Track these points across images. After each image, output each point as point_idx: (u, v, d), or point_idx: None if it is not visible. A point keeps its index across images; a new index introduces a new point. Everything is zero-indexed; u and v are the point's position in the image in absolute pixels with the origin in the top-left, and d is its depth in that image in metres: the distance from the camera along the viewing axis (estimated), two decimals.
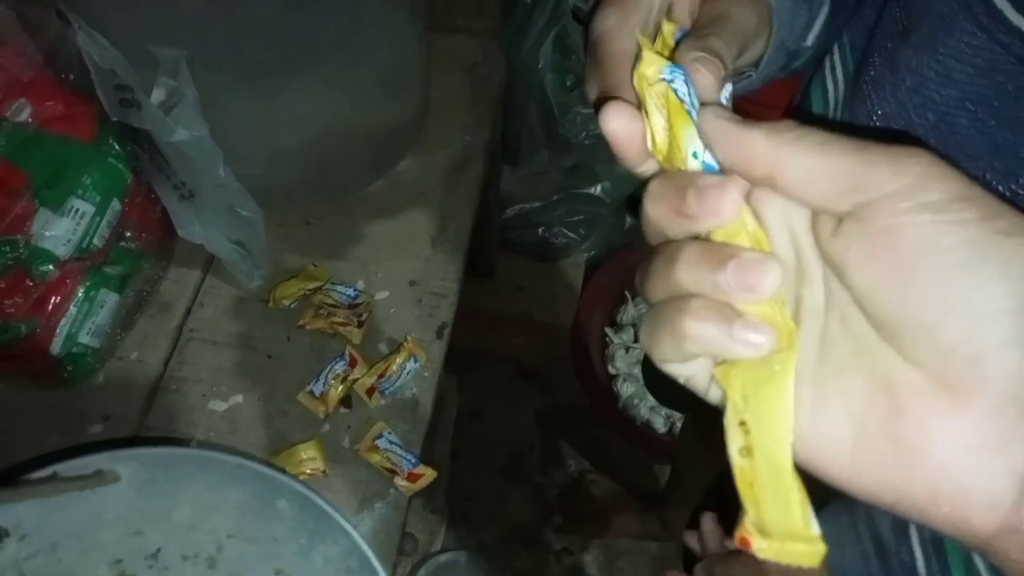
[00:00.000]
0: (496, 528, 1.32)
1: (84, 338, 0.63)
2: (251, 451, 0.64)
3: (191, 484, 0.54)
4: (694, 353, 0.22)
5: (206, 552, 0.56)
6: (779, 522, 0.21)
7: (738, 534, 0.22)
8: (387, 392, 0.66)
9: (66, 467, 0.51)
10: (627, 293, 1.47)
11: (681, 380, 0.23)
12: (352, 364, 0.66)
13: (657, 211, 0.23)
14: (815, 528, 0.21)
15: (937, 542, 0.43)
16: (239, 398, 0.66)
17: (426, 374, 0.68)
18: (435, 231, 0.75)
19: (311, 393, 0.65)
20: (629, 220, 1.58)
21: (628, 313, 1.46)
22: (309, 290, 0.70)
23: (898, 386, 0.20)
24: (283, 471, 0.58)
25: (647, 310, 0.24)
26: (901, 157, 0.19)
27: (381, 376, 0.65)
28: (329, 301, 0.69)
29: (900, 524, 0.45)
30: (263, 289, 0.71)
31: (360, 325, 0.68)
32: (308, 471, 0.62)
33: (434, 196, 0.77)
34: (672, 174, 0.23)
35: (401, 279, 0.72)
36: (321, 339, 0.69)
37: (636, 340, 1.43)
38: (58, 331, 0.61)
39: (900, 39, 0.34)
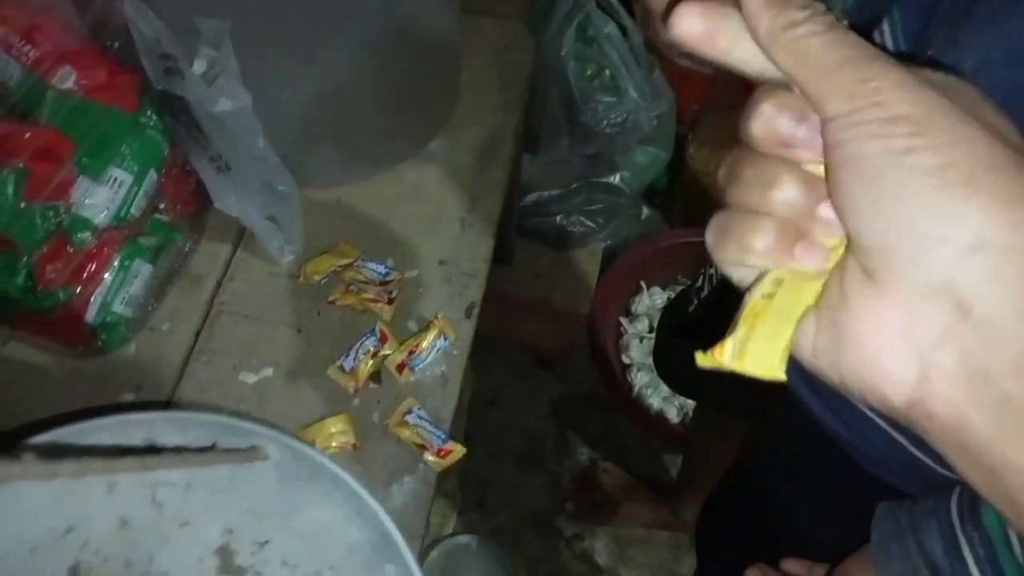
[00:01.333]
0: (509, 514, 1.32)
1: (118, 307, 0.64)
2: (281, 424, 0.64)
3: (321, 495, 0.51)
4: (755, 264, 0.24)
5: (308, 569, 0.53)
6: (760, 353, 0.24)
7: (717, 346, 0.25)
8: (417, 369, 0.66)
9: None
10: (642, 283, 1.47)
11: (735, 279, 0.25)
12: (383, 340, 0.67)
13: (765, 128, 0.23)
14: (783, 373, 0.25)
15: (992, 560, 0.42)
16: (269, 371, 0.67)
17: (455, 352, 0.68)
18: (464, 212, 0.75)
19: (341, 368, 0.66)
20: (646, 211, 1.58)
21: (643, 303, 1.46)
22: (340, 266, 0.70)
23: (847, 277, 0.23)
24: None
25: (717, 214, 0.25)
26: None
27: (411, 353, 0.66)
28: (360, 278, 0.69)
29: (952, 546, 0.45)
30: (294, 265, 0.71)
31: (390, 302, 0.68)
32: (337, 445, 0.63)
33: (464, 177, 0.77)
34: (789, 101, 0.23)
35: (431, 258, 0.73)
36: (351, 315, 0.69)
37: (650, 330, 1.43)
38: (93, 299, 0.61)
39: (961, 20, 0.34)
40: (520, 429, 1.41)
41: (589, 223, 1.40)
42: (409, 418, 0.64)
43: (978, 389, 0.20)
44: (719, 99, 1.47)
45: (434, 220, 0.75)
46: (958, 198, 0.20)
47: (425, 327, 0.68)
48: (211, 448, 0.48)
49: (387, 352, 0.66)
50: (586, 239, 1.42)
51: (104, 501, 0.50)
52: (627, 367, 1.43)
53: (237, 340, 0.68)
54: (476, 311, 0.70)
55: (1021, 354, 0.20)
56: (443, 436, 0.63)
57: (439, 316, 0.68)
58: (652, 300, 1.47)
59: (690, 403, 1.37)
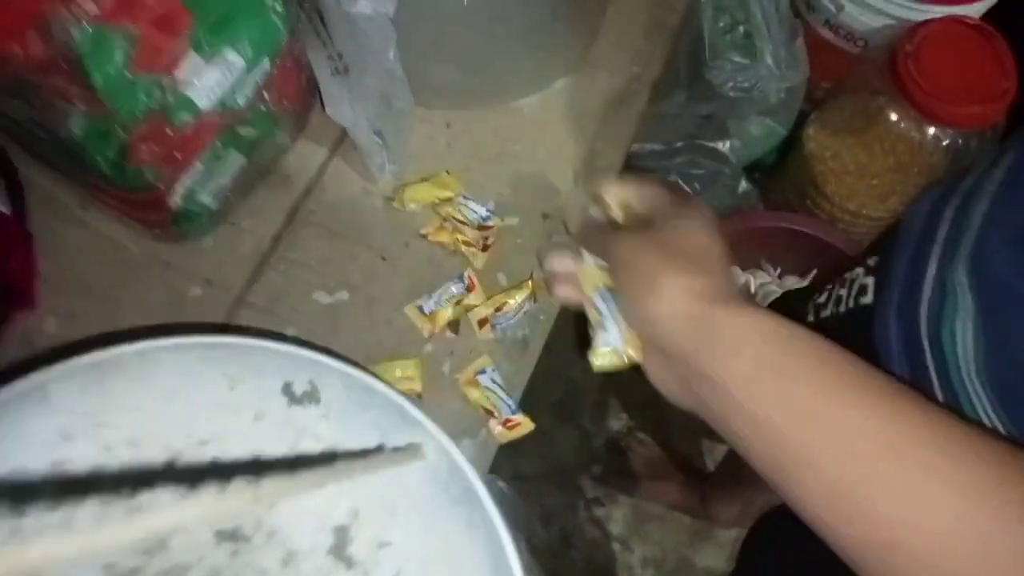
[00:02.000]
0: (534, 462, 1.30)
1: (204, 196, 0.60)
2: (348, 353, 0.60)
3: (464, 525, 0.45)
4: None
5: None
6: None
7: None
8: (499, 327, 0.62)
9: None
10: None
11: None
12: (469, 288, 0.62)
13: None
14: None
15: None
16: (344, 295, 0.63)
17: (541, 317, 0.63)
18: (580, 164, 0.69)
19: (420, 309, 0.61)
20: (744, 185, 1.48)
21: None
22: (439, 199, 0.65)
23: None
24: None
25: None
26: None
27: (498, 309, 0.61)
28: (458, 216, 0.64)
29: None
30: (390, 187, 0.66)
31: (485, 248, 0.63)
32: (402, 389, 0.59)
33: (587, 125, 0.70)
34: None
35: (535, 209, 0.67)
36: (441, 254, 0.64)
37: None
38: (180, 185, 0.57)
39: None
40: (563, 379, 1.37)
41: (686, 187, 1.32)
42: (481, 378, 0.60)
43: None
44: (856, 82, 1.35)
45: (546, 167, 0.68)
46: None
47: (517, 285, 0.62)
48: (376, 450, 0.44)
49: (472, 302, 0.62)
50: None
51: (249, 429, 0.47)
52: None
53: (317, 254, 0.64)
54: None
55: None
56: (513, 406, 0.59)
57: (534, 275, 0.63)
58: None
59: None
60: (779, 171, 1.45)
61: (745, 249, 1.38)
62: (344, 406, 0.45)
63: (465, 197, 0.65)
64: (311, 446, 0.46)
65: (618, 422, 1.36)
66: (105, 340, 0.48)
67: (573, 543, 1.27)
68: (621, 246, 0.39)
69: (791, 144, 1.39)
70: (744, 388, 0.34)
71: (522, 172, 0.68)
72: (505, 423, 0.59)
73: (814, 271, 1.38)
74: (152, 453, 0.43)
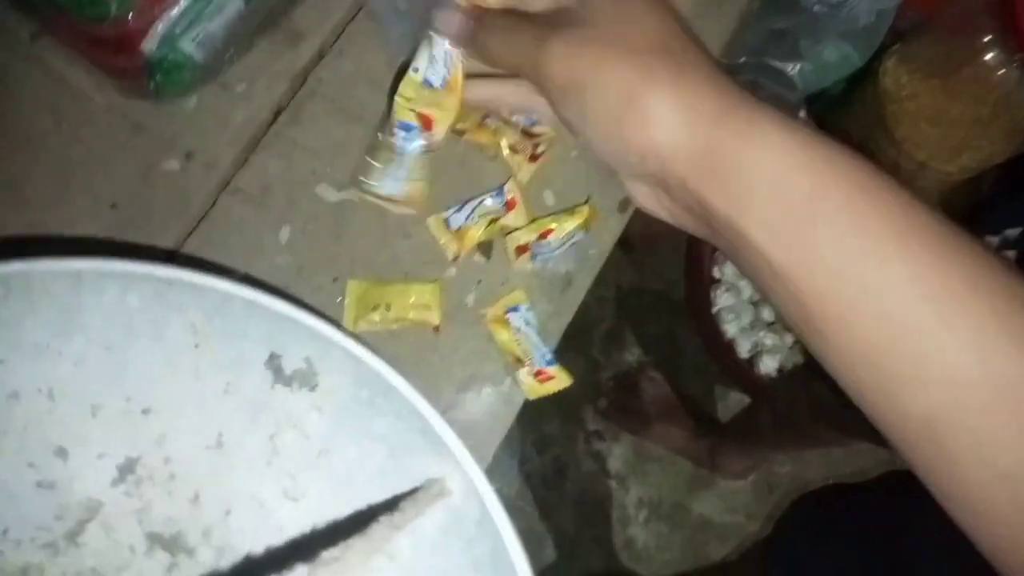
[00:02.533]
0: None
1: (186, 45, 0.46)
2: (354, 268, 0.49)
3: None
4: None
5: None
6: None
7: None
8: (539, 257, 0.50)
9: None
10: None
11: None
12: (509, 206, 0.50)
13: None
14: None
15: None
16: (354, 194, 0.51)
17: (591, 252, 0.52)
18: None
19: (446, 223, 0.50)
20: (801, 115, 1.33)
21: None
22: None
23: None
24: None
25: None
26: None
27: (542, 236, 0.49)
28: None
29: None
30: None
31: (534, 159, 0.51)
32: (415, 319, 0.48)
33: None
34: None
35: None
36: (478, 158, 0.52)
37: None
38: (156, 26, 0.44)
39: None
40: (578, 305, 1.27)
41: None
42: (512, 317, 0.49)
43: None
44: (952, 16, 1.18)
45: None
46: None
47: (568, 209, 0.50)
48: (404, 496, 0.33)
49: (510, 223, 0.50)
50: None
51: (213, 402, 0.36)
52: (715, 281, 1.26)
53: (325, 137, 0.51)
54: (632, 208, 0.53)
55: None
56: (548, 356, 0.49)
57: (590, 200, 0.51)
58: None
59: (766, 342, 1.22)
60: (844, 106, 1.30)
61: None
62: (347, 402, 0.34)
63: None
64: (293, 443, 0.35)
65: (630, 356, 1.27)
66: (36, 242, 0.37)
67: (567, 475, 1.20)
68: (554, 51, 0.32)
69: (864, 78, 1.23)
70: (763, 233, 0.29)
71: None
72: (537, 375, 0.48)
73: None
74: (73, 411, 0.32)
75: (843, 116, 1.31)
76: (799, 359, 1.20)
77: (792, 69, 1.15)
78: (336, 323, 0.34)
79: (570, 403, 1.22)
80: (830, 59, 1.16)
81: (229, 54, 0.50)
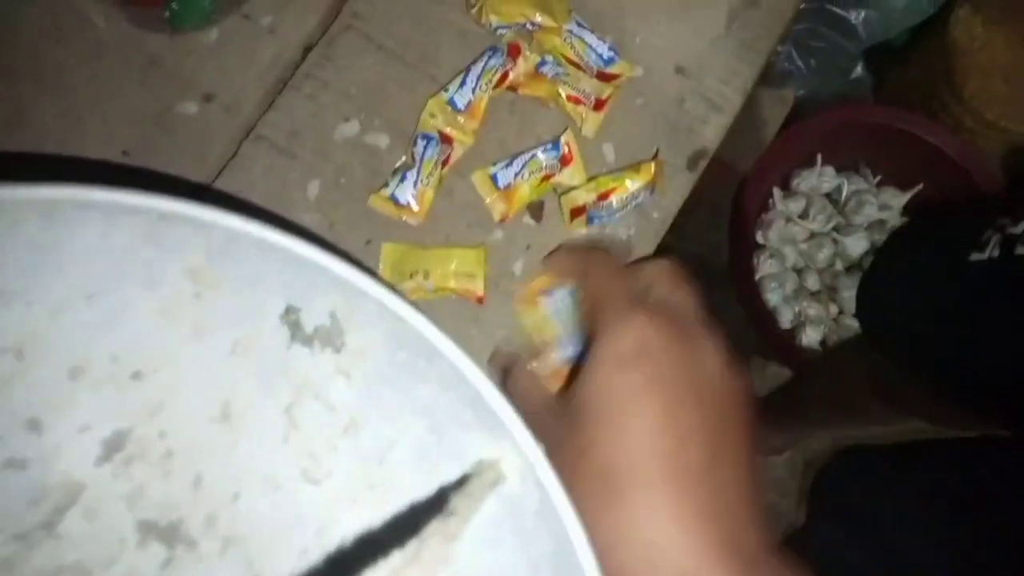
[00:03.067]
0: None
1: None
2: (388, 230, 0.44)
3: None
4: None
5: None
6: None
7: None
8: (597, 222, 0.45)
9: None
10: (819, 156, 1.19)
11: None
12: (565, 161, 0.44)
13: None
14: None
15: None
16: (385, 139, 0.45)
17: (655, 215, 0.46)
18: (740, 1, 0.49)
19: (493, 180, 0.44)
20: (859, 70, 1.24)
21: (807, 181, 1.19)
22: (535, 23, 0.45)
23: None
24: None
25: None
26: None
27: (603, 197, 0.43)
28: (568, 55, 0.45)
29: None
30: None
31: (599, 107, 0.45)
32: (456, 287, 0.43)
33: None
34: None
35: (666, 58, 0.47)
36: (532, 107, 0.46)
37: (803, 215, 1.18)
38: None
39: None
40: None
41: (799, 61, 1.09)
42: (544, 302, 0.43)
43: None
44: None
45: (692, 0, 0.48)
46: None
47: (632, 166, 0.45)
48: (453, 488, 0.27)
49: (565, 182, 0.44)
50: (784, 80, 1.12)
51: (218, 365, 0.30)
52: (758, 247, 1.20)
53: (360, 79, 0.46)
54: (704, 164, 0.47)
55: None
56: (572, 351, 0.44)
57: (658, 156, 0.45)
58: (819, 181, 1.19)
59: (809, 312, 1.16)
60: (907, 59, 1.21)
61: (847, 148, 1.17)
62: (381, 367, 0.28)
63: (579, 25, 0.45)
64: (314, 415, 0.30)
65: None
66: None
67: None
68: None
69: (930, 28, 1.14)
70: None
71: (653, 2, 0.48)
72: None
73: (919, 185, 1.18)
74: (47, 374, 0.27)
75: (905, 71, 1.22)
76: (846, 332, 1.14)
77: (856, 17, 1.06)
78: (369, 270, 0.28)
79: None
80: (897, 5, 1.07)
81: None
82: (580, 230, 0.45)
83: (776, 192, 1.19)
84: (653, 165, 0.44)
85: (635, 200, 0.44)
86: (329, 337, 0.28)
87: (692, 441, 0.29)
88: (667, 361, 0.30)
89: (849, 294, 1.16)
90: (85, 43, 0.44)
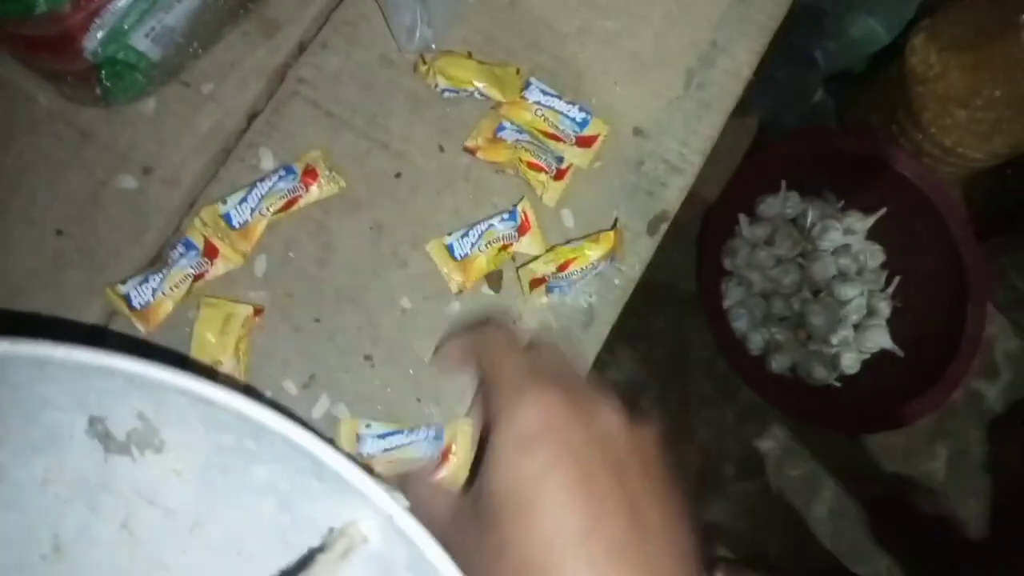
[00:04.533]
0: None
1: (138, 41, 0.39)
2: (339, 304, 0.42)
3: None
4: None
5: None
6: None
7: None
8: (557, 291, 0.43)
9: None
10: (783, 182, 1.19)
11: None
12: (522, 230, 0.43)
13: None
14: None
15: None
16: (347, 210, 0.43)
17: (617, 282, 0.45)
18: (697, 61, 0.48)
19: (449, 249, 0.43)
20: (820, 94, 1.25)
21: (772, 206, 1.19)
22: (482, 94, 0.44)
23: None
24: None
25: None
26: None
27: (561, 268, 0.42)
28: (543, 128, 0.43)
29: None
30: (417, 55, 0.45)
31: (560, 176, 0.44)
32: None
33: (712, 6, 0.49)
34: None
35: (624, 120, 0.46)
36: (488, 173, 0.45)
37: (769, 241, 1.18)
38: (98, 21, 0.36)
39: None
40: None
41: (762, 88, 1.09)
42: None
43: None
44: None
45: (649, 60, 0.47)
46: None
47: (591, 235, 0.43)
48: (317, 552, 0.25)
49: (524, 251, 0.43)
50: (747, 107, 1.12)
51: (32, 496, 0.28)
52: (725, 274, 1.20)
53: (306, 142, 0.44)
54: (665, 228, 0.46)
55: None
56: None
57: (617, 224, 0.44)
58: (784, 207, 1.20)
59: (778, 337, 1.16)
60: (866, 87, 1.22)
61: (811, 174, 1.18)
62: (210, 456, 0.26)
63: (544, 93, 0.44)
64: (154, 523, 0.27)
65: (636, 353, 1.20)
66: None
67: None
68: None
69: (889, 56, 1.16)
70: None
71: (612, 59, 0.47)
72: None
73: (883, 210, 1.19)
74: None
75: (865, 98, 1.23)
76: (815, 359, 1.14)
77: (816, 46, 1.07)
78: (174, 355, 0.26)
79: None
80: (856, 36, 1.08)
81: (193, 48, 0.43)
82: (541, 299, 0.43)
83: (742, 219, 1.19)
84: (613, 235, 0.43)
85: (595, 269, 0.43)
86: (145, 439, 0.26)
87: (610, 513, 0.27)
88: (571, 432, 0.29)
89: (817, 320, 1.16)
90: (17, 119, 0.42)
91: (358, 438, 0.39)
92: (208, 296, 0.40)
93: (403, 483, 0.34)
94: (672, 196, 0.46)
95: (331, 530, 0.25)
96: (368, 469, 0.25)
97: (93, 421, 0.25)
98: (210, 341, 0.38)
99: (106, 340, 0.40)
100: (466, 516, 0.29)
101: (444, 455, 0.40)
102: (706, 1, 0.49)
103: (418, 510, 0.26)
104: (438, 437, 0.40)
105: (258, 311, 0.40)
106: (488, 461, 0.29)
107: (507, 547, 0.27)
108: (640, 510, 0.28)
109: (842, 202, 1.23)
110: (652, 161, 0.46)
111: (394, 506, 0.24)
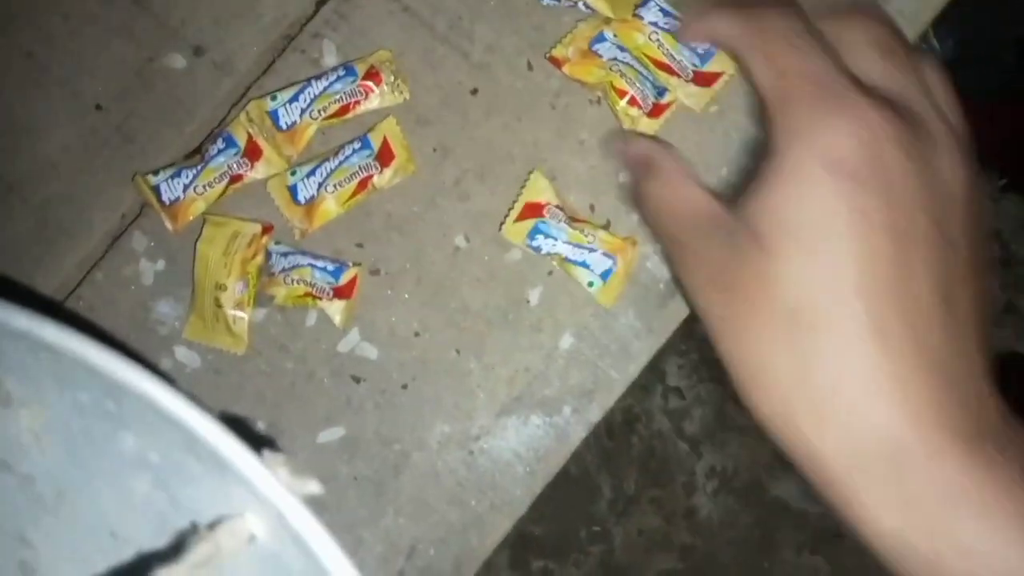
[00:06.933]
0: None
1: None
2: (387, 232, 0.37)
3: None
4: None
5: None
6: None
7: None
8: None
9: None
10: None
11: None
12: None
13: None
14: None
15: None
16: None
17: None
18: None
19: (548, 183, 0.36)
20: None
21: None
22: (588, 6, 0.36)
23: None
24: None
25: None
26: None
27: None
28: (655, 55, 0.35)
29: None
30: None
31: (656, 113, 0.36)
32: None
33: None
34: None
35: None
36: (579, 100, 0.37)
37: None
38: None
39: None
40: None
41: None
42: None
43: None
44: None
45: None
46: None
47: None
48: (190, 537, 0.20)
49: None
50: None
51: None
52: None
53: (378, 41, 0.38)
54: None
55: None
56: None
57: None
58: None
59: None
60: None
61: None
62: (70, 415, 0.21)
63: (664, 13, 0.36)
64: (10, 490, 0.22)
65: None
66: None
67: (636, 428, 1.10)
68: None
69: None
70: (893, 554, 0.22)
71: None
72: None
73: None
74: None
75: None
76: None
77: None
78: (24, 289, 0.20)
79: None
80: None
81: None
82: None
83: None
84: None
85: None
86: None
87: (920, 277, 0.21)
88: (900, 173, 0.22)
89: None
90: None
91: None
92: (212, 215, 0.36)
93: (639, 167, 0.28)
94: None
95: (194, 526, 0.20)
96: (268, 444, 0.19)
97: None
98: (213, 261, 0.34)
99: None
100: (721, 228, 0.24)
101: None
102: None
103: (654, 215, 0.25)
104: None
105: (267, 229, 0.35)
106: (777, 174, 0.23)
107: (777, 281, 0.22)
108: (953, 292, 0.22)
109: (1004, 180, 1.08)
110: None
111: (290, 500, 0.18)
